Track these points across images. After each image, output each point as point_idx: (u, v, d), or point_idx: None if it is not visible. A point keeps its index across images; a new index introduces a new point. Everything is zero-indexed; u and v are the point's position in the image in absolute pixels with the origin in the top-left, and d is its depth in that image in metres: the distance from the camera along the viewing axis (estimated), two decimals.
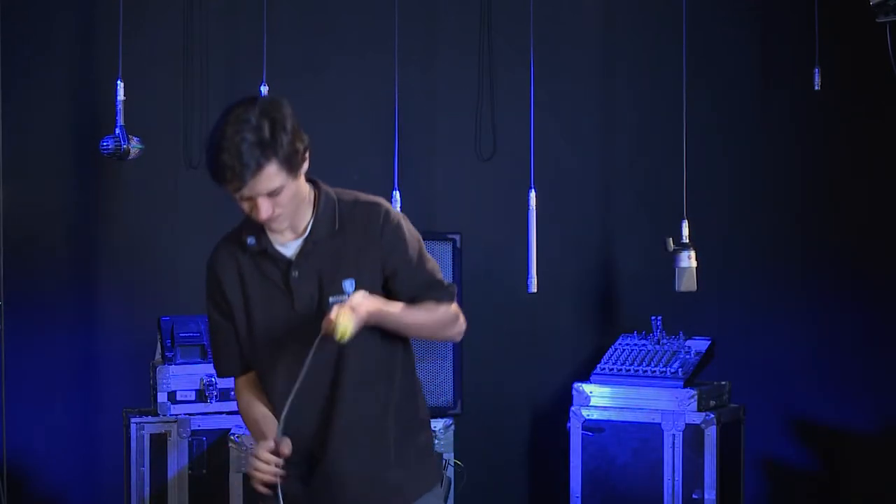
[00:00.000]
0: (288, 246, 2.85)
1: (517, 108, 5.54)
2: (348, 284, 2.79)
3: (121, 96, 4.91)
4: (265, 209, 2.71)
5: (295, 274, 2.83)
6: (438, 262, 3.05)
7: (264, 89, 4.90)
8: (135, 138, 4.95)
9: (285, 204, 2.74)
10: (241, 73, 5.46)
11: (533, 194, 5.05)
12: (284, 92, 5.03)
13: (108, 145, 4.93)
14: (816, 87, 5.20)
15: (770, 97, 5.82)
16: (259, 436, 2.85)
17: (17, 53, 5.33)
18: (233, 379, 3.00)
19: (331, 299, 2.78)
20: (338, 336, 2.68)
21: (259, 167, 2.66)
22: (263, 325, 2.87)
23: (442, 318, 2.94)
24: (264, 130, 2.66)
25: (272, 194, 2.70)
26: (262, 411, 2.89)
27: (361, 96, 5.74)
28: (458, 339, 3.05)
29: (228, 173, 2.66)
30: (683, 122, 5.17)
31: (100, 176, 5.52)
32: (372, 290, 2.81)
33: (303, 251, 2.83)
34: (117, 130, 4.91)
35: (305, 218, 2.84)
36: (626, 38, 5.93)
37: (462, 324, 2.99)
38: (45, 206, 5.50)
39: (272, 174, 2.67)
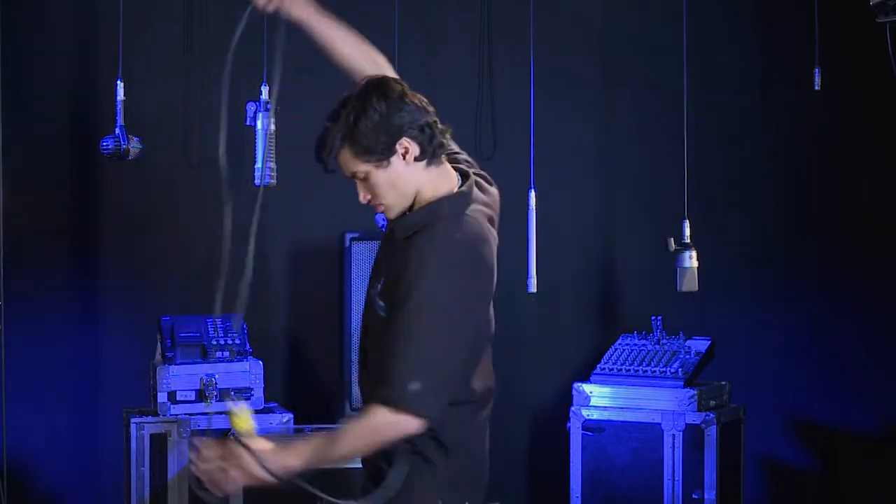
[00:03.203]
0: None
1: (517, 108, 5.54)
2: (381, 283, 2.83)
3: (121, 96, 4.91)
4: (361, 193, 2.80)
5: (379, 256, 2.93)
6: None
7: (264, 89, 4.90)
8: (135, 138, 4.94)
9: (379, 192, 2.77)
10: (241, 73, 5.45)
11: (533, 194, 5.04)
12: (284, 92, 5.05)
13: (108, 145, 4.92)
14: (816, 87, 5.20)
15: (770, 97, 5.82)
16: None
17: (17, 53, 5.32)
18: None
19: (380, 287, 2.80)
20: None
21: (333, 156, 2.78)
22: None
23: (360, 433, 2.69)
24: (349, 118, 2.74)
25: (362, 179, 2.77)
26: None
27: None
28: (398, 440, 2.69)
29: (315, 154, 2.83)
30: (683, 122, 5.16)
31: (100, 176, 5.52)
32: (388, 304, 2.76)
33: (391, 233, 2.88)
34: (117, 130, 4.91)
35: (432, 194, 2.83)
36: (625, 38, 5.93)
37: (396, 430, 2.64)
38: (45, 206, 5.49)
39: (347, 160, 2.76)
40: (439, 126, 2.82)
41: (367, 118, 2.72)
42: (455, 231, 2.74)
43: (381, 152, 2.73)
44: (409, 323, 2.64)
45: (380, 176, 2.75)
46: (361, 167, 2.75)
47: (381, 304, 2.78)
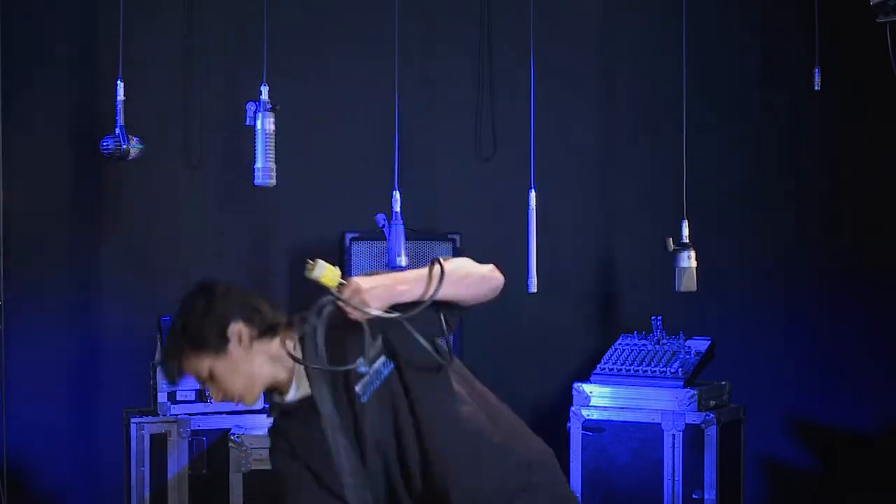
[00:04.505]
0: (297, 388, 2.80)
1: (517, 108, 5.54)
2: (360, 365, 2.70)
3: (121, 96, 4.92)
4: (213, 394, 2.79)
5: (323, 402, 2.77)
6: None
7: (264, 89, 4.90)
8: (135, 138, 4.95)
9: (227, 384, 2.76)
10: (241, 73, 5.46)
11: (533, 194, 5.05)
12: (284, 92, 5.07)
13: (108, 145, 4.93)
14: (816, 87, 5.20)
15: (770, 97, 5.82)
16: None
17: (17, 53, 5.33)
18: None
19: (357, 389, 2.71)
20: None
21: (179, 365, 2.76)
22: (337, 464, 2.79)
23: (456, 271, 2.73)
24: (176, 328, 2.76)
25: (208, 378, 2.76)
26: None
27: (361, 96, 5.75)
28: (495, 286, 2.80)
29: (164, 372, 2.83)
30: (683, 122, 5.16)
31: (100, 176, 5.52)
32: (385, 351, 2.73)
33: (310, 379, 2.78)
34: (117, 130, 4.91)
35: (282, 369, 2.79)
36: (626, 38, 5.93)
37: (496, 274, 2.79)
38: (45, 207, 5.50)
39: (191, 363, 2.75)
40: (268, 304, 2.80)
41: (192, 317, 2.74)
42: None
43: (216, 343, 2.73)
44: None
45: (223, 367, 2.74)
46: (205, 364, 2.74)
47: (379, 363, 2.73)
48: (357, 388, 2.71)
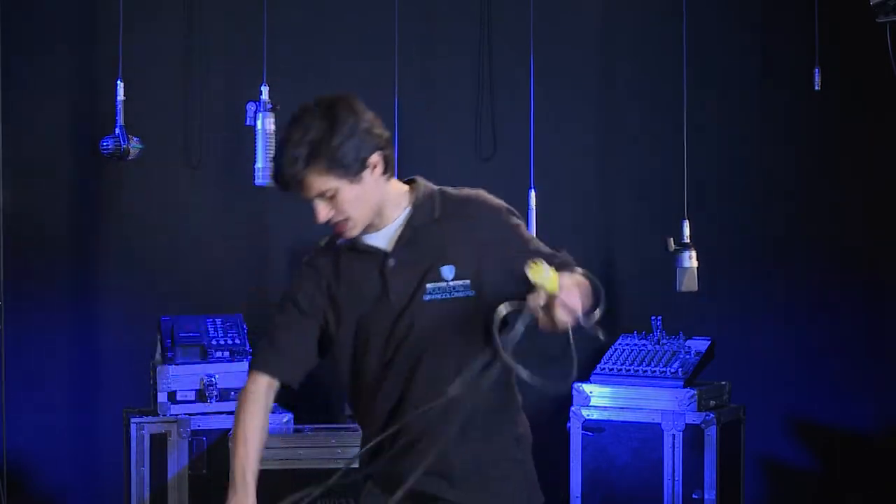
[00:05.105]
0: (380, 237, 2.82)
1: (517, 108, 5.54)
2: (447, 271, 2.76)
3: (121, 96, 4.92)
4: (321, 212, 2.73)
5: (391, 263, 2.79)
6: None
7: (264, 89, 4.90)
8: (135, 138, 4.95)
9: (346, 208, 2.72)
10: (241, 73, 5.46)
11: (533, 194, 5.04)
12: (284, 92, 5.07)
13: (108, 145, 4.93)
14: (816, 87, 5.20)
15: (770, 97, 5.82)
16: (237, 462, 2.78)
17: (17, 53, 5.33)
18: (251, 375, 2.95)
19: (429, 286, 2.75)
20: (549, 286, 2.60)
21: (302, 175, 2.68)
22: (357, 319, 2.83)
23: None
24: (316, 135, 2.68)
25: (329, 197, 2.71)
26: (258, 426, 2.86)
27: (361, 96, 5.71)
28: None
29: (279, 181, 2.73)
30: (683, 122, 5.16)
31: (100, 176, 5.52)
32: (475, 279, 2.76)
33: (399, 241, 2.80)
34: (117, 130, 4.92)
35: (391, 216, 2.81)
36: (626, 38, 5.93)
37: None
38: (45, 207, 5.50)
39: (317, 177, 2.68)
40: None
41: (340, 133, 2.69)
42: (457, 189, 2.88)
43: (355, 168, 2.70)
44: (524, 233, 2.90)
45: (350, 192, 2.71)
46: (332, 184, 2.69)
47: (463, 283, 2.76)
48: (428, 286, 2.75)
